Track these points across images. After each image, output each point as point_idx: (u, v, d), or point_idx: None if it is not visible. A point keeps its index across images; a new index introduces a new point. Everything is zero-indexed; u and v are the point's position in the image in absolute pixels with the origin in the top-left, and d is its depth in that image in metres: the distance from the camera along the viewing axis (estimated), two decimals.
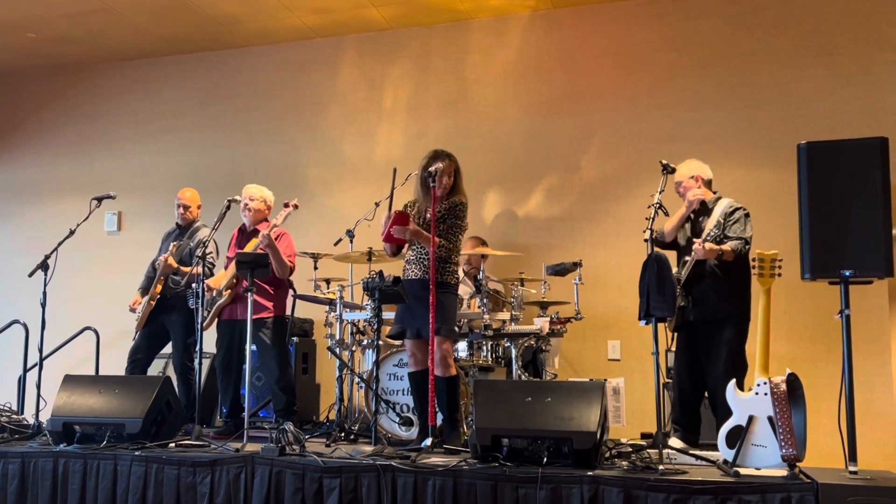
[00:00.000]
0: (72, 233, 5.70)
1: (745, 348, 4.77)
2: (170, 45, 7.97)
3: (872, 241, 3.80)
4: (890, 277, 3.85)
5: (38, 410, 5.36)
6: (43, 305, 5.46)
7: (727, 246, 4.63)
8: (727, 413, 4.14)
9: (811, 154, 3.94)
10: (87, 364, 6.63)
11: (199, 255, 5.24)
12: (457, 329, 4.96)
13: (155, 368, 6.70)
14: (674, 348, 5.10)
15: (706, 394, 4.95)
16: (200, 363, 5.07)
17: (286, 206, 5.44)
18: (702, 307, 4.71)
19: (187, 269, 5.83)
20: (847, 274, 3.83)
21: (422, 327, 4.69)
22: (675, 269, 4.83)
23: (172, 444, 4.69)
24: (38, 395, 5.36)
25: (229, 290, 5.48)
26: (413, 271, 4.80)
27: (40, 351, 5.44)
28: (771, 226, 6.08)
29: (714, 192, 5.03)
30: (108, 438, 4.65)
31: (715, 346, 4.72)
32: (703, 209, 4.96)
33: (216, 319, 5.61)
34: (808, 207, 3.91)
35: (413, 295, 4.66)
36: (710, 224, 4.84)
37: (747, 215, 4.82)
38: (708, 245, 4.59)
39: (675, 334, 4.99)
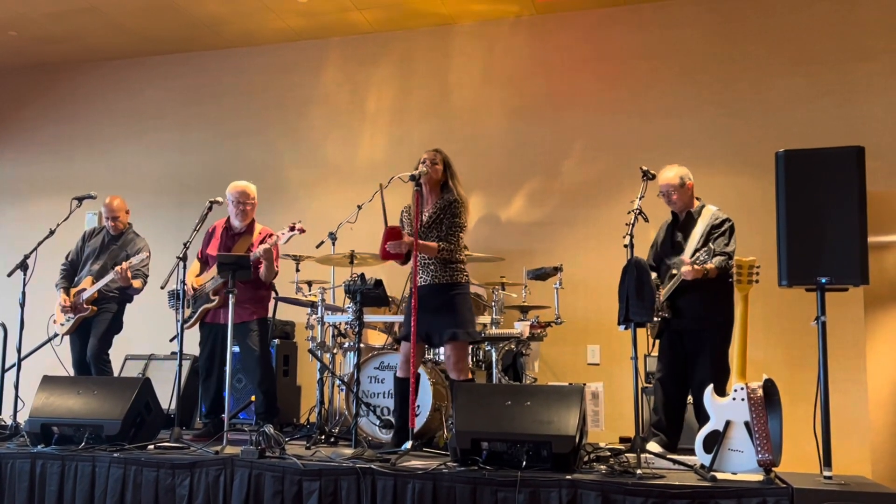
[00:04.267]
0: (52, 233, 5.67)
1: (728, 353, 4.83)
2: (153, 45, 7.95)
3: (848, 248, 3.85)
4: (865, 285, 3.90)
5: (15, 411, 5.32)
6: (22, 305, 5.43)
7: (711, 265, 4.63)
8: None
9: (789, 162, 3.99)
10: (60, 367, 6.56)
11: (180, 256, 5.20)
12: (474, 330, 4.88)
13: (134, 370, 6.69)
14: (654, 353, 5.14)
15: (689, 399, 4.98)
16: (180, 365, 5.06)
17: (292, 229, 5.34)
18: (688, 317, 4.74)
19: (138, 284, 5.88)
20: (823, 281, 3.88)
21: (431, 332, 4.69)
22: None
23: (151, 446, 4.68)
24: (16, 396, 5.33)
25: (218, 296, 5.44)
26: (421, 276, 4.72)
27: (18, 351, 5.41)
28: (749, 232, 6.13)
29: (698, 199, 5.06)
30: (87, 440, 4.63)
31: (701, 352, 4.77)
32: (688, 218, 4.98)
33: (199, 321, 5.58)
34: (786, 215, 3.96)
35: (421, 300, 4.59)
36: (695, 235, 4.86)
37: (733, 228, 4.86)
38: (696, 268, 4.61)
39: (657, 340, 5.01)
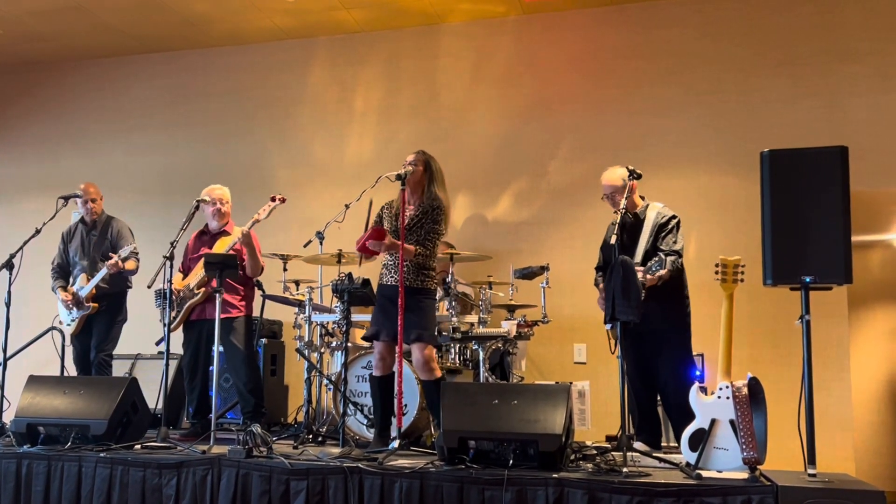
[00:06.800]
0: (38, 231, 5.65)
1: (690, 348, 4.86)
2: (140, 43, 7.92)
3: (832, 248, 3.87)
4: (849, 284, 3.94)
5: (1, 411, 5.31)
6: (7, 305, 5.41)
7: (664, 271, 4.60)
8: (682, 415, 4.20)
9: (774, 162, 4.02)
10: (51, 364, 6.56)
11: (166, 255, 5.20)
12: (436, 335, 4.94)
13: (121, 370, 6.67)
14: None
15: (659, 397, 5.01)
16: (167, 364, 5.05)
17: (273, 199, 5.37)
18: (648, 320, 4.71)
19: (131, 265, 5.83)
20: (808, 280, 3.91)
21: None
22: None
23: (138, 446, 4.67)
24: (2, 396, 5.31)
25: (202, 289, 5.44)
26: (391, 276, 4.77)
27: (4, 351, 5.38)
28: (734, 232, 6.20)
29: (642, 198, 5.07)
30: (73, 440, 4.62)
31: (663, 352, 4.81)
32: (635, 219, 4.96)
33: (185, 320, 5.57)
34: (771, 214, 3.98)
35: (390, 300, 4.65)
36: (643, 237, 4.85)
37: (678, 223, 4.87)
38: (649, 277, 4.58)
39: (617, 341, 5.00)
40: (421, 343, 4.67)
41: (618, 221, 4.44)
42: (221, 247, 5.49)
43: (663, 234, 4.83)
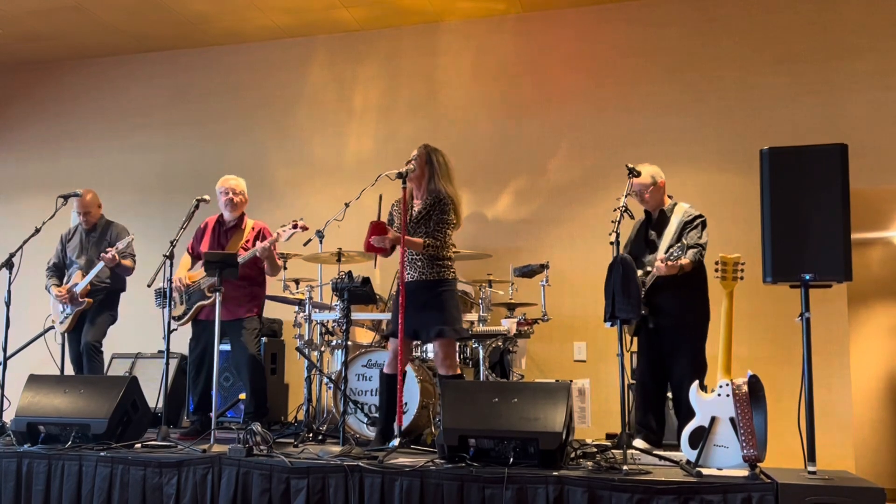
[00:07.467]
0: (37, 231, 5.64)
1: (705, 349, 4.86)
2: (139, 42, 7.92)
3: (832, 245, 3.88)
4: (849, 281, 3.94)
5: (1, 410, 5.30)
6: (7, 304, 5.40)
7: (685, 260, 4.64)
8: (691, 414, 4.20)
9: (773, 159, 4.01)
10: (51, 364, 6.56)
11: (166, 254, 5.19)
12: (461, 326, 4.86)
13: (121, 368, 6.68)
14: (634, 349, 5.16)
15: (670, 395, 5.01)
16: (167, 363, 5.04)
17: (295, 226, 5.36)
18: (665, 315, 4.75)
19: (128, 263, 5.85)
20: (807, 277, 3.91)
21: (419, 328, 4.69)
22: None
23: (138, 445, 4.67)
24: (2, 395, 5.31)
25: (213, 292, 5.41)
26: (408, 273, 4.73)
27: (4, 350, 5.38)
28: (734, 229, 6.20)
29: (670, 197, 5.09)
30: (73, 439, 4.62)
31: (678, 350, 4.79)
32: (661, 216, 5.00)
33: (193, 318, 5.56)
34: (770, 212, 3.98)
35: (408, 296, 4.62)
36: (669, 233, 4.88)
37: (704, 222, 4.89)
38: (669, 263, 4.63)
39: (635, 337, 5.03)
40: (442, 339, 4.68)
41: (617, 219, 4.43)
42: (234, 245, 5.48)
43: (688, 229, 4.85)
